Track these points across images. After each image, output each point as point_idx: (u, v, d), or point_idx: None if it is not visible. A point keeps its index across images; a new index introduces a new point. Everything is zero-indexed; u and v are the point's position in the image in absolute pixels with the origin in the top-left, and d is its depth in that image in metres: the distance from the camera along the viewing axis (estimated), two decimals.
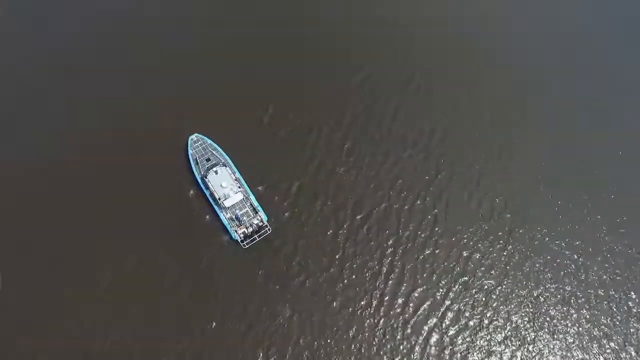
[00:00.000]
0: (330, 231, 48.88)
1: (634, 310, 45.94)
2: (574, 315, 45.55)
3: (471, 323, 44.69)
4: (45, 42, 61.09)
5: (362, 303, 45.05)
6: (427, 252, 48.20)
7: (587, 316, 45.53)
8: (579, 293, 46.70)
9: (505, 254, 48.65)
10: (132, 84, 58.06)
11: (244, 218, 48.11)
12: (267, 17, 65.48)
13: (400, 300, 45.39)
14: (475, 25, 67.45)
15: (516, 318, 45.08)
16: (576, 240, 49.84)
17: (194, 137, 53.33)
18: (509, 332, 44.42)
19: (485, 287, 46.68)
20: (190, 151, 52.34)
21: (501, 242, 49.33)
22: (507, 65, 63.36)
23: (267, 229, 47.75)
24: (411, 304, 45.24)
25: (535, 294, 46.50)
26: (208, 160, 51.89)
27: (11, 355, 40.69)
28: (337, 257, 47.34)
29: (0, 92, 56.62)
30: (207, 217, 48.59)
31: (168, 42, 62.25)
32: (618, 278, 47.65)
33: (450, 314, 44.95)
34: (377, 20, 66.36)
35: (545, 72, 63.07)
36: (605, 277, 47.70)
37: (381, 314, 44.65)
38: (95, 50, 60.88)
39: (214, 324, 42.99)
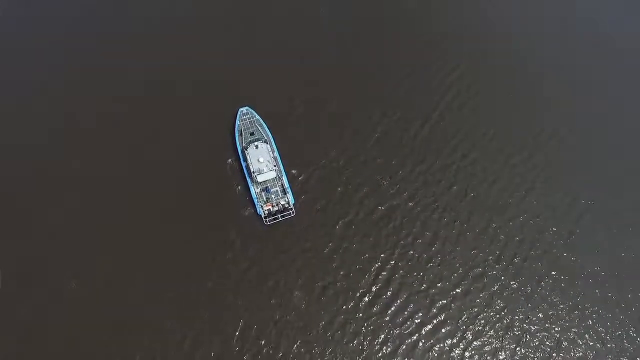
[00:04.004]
0: (342, 221, 51.14)
1: None
2: None
3: (455, 350, 45.95)
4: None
5: (353, 300, 47.40)
6: (430, 266, 49.53)
7: None
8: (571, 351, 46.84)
9: (511, 287, 48.95)
10: (206, 48, 62.33)
11: (272, 196, 51.22)
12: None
13: (393, 306, 47.34)
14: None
15: (502, 357, 46.09)
16: (587, 293, 49.19)
17: (244, 109, 56.32)
18: None
19: (481, 317, 47.53)
20: (237, 122, 55.48)
21: (508, 275, 49.50)
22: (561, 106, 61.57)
23: (291, 211, 50.60)
24: (401, 314, 47.05)
25: (530, 334, 46.91)
26: (252, 134, 54.87)
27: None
28: (340, 251, 49.74)
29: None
30: (239, 187, 52.32)
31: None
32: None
33: (437, 335, 46.40)
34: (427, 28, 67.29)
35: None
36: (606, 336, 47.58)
37: (370, 315, 46.88)
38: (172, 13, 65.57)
39: (210, 283, 47.27)
